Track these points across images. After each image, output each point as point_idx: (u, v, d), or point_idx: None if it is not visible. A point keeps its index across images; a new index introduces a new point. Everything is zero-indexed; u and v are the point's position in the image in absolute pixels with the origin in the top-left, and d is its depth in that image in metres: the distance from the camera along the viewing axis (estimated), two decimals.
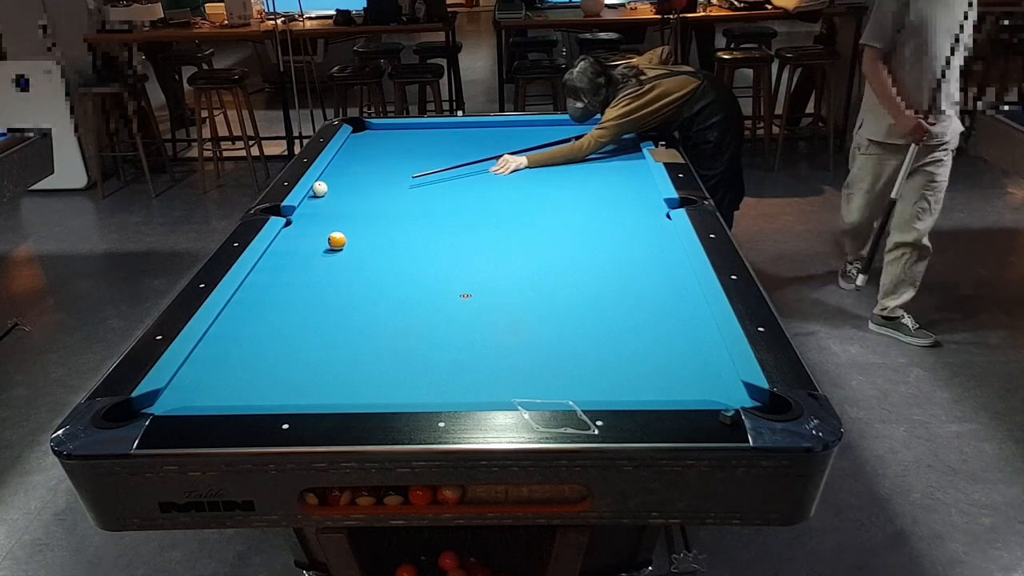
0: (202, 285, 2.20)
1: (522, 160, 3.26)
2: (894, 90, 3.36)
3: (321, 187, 3.02)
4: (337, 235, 2.53)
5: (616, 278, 2.29)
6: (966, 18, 3.28)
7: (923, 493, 2.78)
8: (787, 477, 1.51)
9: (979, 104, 5.91)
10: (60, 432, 1.56)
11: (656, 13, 5.97)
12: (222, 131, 6.66)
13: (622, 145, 3.49)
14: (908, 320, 3.71)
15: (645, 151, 3.32)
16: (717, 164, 3.50)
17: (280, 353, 1.94)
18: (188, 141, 6.97)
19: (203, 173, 6.13)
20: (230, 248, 2.44)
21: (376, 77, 6.20)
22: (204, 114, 6.19)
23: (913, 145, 3.39)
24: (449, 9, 6.22)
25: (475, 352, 1.92)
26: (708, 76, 3.68)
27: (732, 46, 6.53)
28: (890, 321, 3.74)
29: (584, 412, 1.55)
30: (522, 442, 1.51)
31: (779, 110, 6.36)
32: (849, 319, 3.90)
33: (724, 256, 2.30)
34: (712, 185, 3.36)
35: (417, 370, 1.85)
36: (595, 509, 1.54)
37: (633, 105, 3.37)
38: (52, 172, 3.98)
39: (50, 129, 3.93)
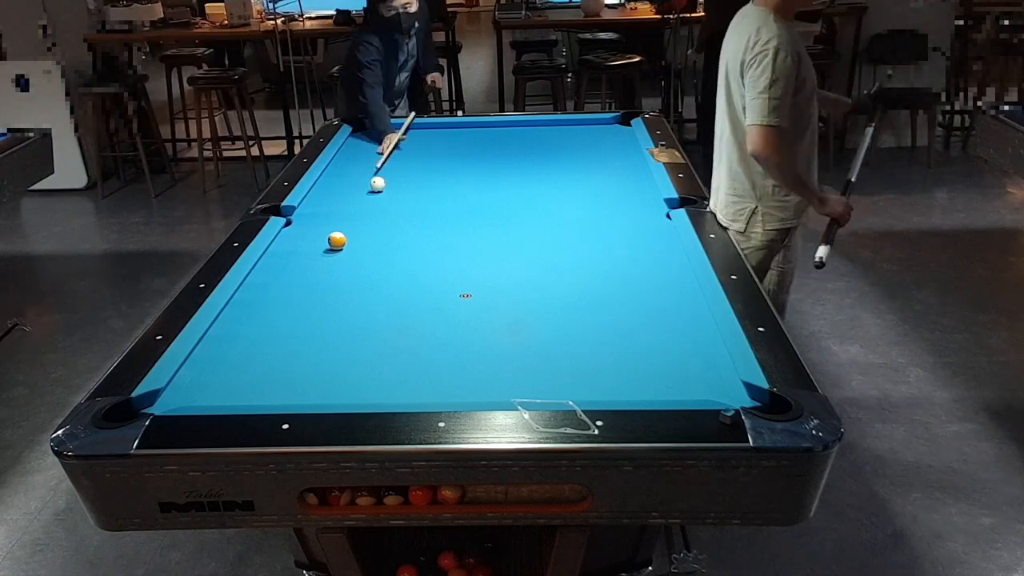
0: (202, 285, 2.20)
1: None
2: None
3: (379, 182, 3.03)
4: (337, 235, 2.53)
5: (616, 278, 2.29)
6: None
7: (923, 493, 2.78)
8: (787, 477, 1.51)
9: (979, 104, 5.93)
10: (60, 432, 1.56)
11: (656, 13, 5.97)
12: (222, 131, 6.66)
13: (622, 145, 3.50)
14: None
15: (645, 151, 3.32)
16: None
17: (280, 353, 1.94)
18: (188, 141, 6.97)
19: (203, 173, 6.12)
20: (230, 248, 2.44)
21: None
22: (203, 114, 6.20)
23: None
24: (449, 9, 6.22)
25: (475, 352, 1.92)
26: None
27: None
28: None
29: (584, 412, 1.55)
30: (522, 442, 1.51)
31: None
32: (848, 319, 3.90)
33: (724, 256, 2.30)
34: None
35: (417, 370, 1.85)
36: (595, 509, 1.54)
37: None
38: (52, 172, 3.98)
39: (50, 129, 3.93)
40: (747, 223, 2.67)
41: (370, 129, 3.54)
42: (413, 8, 3.67)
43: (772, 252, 2.72)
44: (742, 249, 2.59)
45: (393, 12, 3.58)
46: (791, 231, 2.69)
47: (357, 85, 3.69)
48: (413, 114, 3.78)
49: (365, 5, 3.81)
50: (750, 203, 2.65)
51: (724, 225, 2.69)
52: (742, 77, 2.49)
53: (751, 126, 2.48)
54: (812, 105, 2.62)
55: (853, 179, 2.79)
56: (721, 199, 2.73)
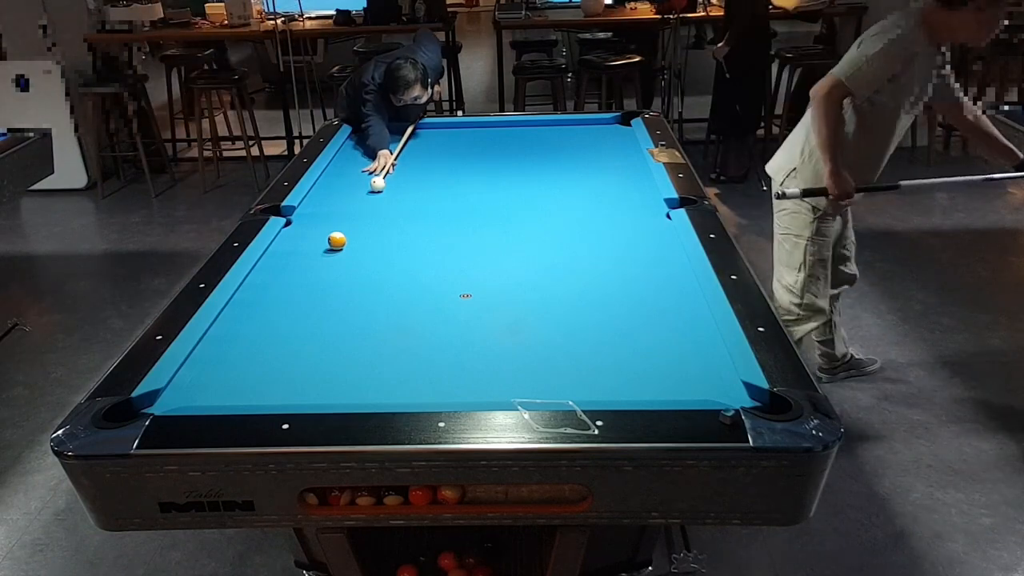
0: (202, 285, 2.20)
1: None
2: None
3: (379, 182, 3.04)
4: (337, 235, 2.53)
5: (616, 278, 2.29)
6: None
7: (923, 493, 2.78)
8: (787, 477, 1.51)
9: (979, 104, 5.91)
10: (60, 432, 1.56)
11: (656, 13, 5.97)
12: (222, 131, 6.67)
13: (622, 145, 3.50)
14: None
15: (645, 151, 3.32)
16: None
17: (280, 353, 1.94)
18: (188, 141, 6.97)
19: (203, 173, 6.12)
20: (230, 248, 2.44)
21: None
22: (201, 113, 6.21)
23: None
24: (449, 9, 6.22)
25: (475, 352, 1.92)
26: None
27: None
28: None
29: (584, 412, 1.55)
30: (522, 442, 1.51)
31: (779, 110, 6.36)
32: (848, 319, 3.90)
33: (724, 256, 2.30)
34: None
35: (417, 370, 1.85)
36: (595, 509, 1.54)
37: None
38: (52, 172, 3.98)
39: (50, 129, 3.93)
40: (782, 181, 2.91)
41: (367, 140, 3.49)
42: (423, 99, 3.63)
43: (803, 221, 2.89)
44: (778, 212, 2.89)
45: (402, 103, 3.58)
46: (825, 214, 2.86)
47: (361, 115, 3.65)
48: (412, 127, 3.76)
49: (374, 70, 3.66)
50: (792, 164, 2.88)
51: (770, 175, 3.00)
52: (857, 49, 2.62)
53: (830, 73, 2.62)
54: (900, 122, 2.74)
55: (901, 185, 2.88)
56: (776, 155, 2.99)
